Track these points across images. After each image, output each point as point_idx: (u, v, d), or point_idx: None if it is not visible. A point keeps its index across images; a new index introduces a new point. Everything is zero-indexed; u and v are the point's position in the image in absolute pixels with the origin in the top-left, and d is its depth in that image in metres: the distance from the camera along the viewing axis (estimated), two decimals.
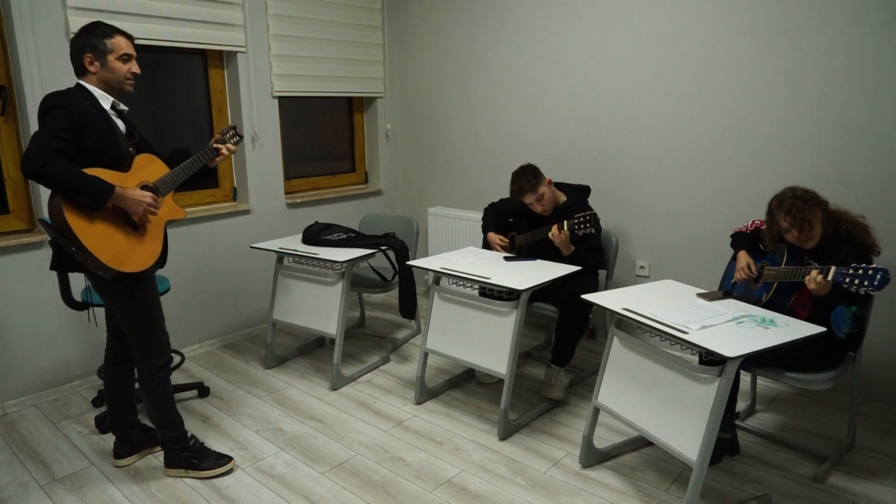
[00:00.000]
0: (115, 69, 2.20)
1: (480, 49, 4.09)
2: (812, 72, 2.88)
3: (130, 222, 2.21)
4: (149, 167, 2.32)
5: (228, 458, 2.50)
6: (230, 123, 2.51)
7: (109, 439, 2.72)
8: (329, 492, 2.37)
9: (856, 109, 2.80)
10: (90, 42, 2.18)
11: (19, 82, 2.88)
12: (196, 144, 3.60)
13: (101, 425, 2.79)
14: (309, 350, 3.74)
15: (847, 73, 2.79)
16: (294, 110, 4.28)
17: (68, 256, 2.16)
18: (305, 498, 2.34)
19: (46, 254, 2.98)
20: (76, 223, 2.06)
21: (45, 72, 2.91)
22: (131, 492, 2.37)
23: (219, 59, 3.71)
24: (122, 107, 2.28)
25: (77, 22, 2.96)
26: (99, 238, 2.10)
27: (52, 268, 2.26)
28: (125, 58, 2.22)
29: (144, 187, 2.26)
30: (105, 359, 2.52)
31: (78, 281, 2.95)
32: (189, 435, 2.49)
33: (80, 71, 2.21)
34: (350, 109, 4.63)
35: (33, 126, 2.89)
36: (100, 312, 2.77)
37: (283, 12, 3.83)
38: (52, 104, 2.07)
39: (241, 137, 2.59)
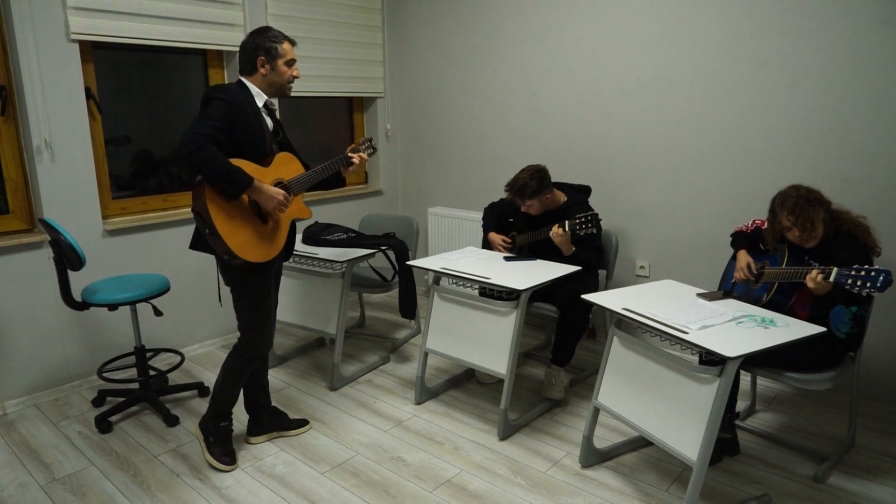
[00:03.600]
0: (281, 72, 2.37)
1: (480, 49, 4.09)
2: (812, 72, 2.88)
3: (261, 215, 2.35)
4: (287, 165, 2.47)
5: (231, 460, 2.51)
6: (366, 136, 2.69)
7: (109, 439, 2.73)
8: (329, 492, 2.37)
9: (856, 109, 2.80)
10: (264, 45, 2.33)
11: (19, 82, 2.88)
12: None
13: (101, 425, 2.79)
14: (309, 350, 3.74)
15: (847, 73, 2.79)
16: (294, 110, 4.28)
17: (205, 239, 2.29)
18: (305, 498, 2.34)
19: (46, 254, 2.98)
20: (214, 209, 2.19)
21: (45, 72, 2.91)
22: (131, 492, 2.37)
23: (219, 58, 3.71)
24: (274, 106, 2.44)
25: (77, 22, 2.97)
26: (231, 225, 2.24)
27: (190, 247, 2.41)
28: (290, 62, 2.39)
29: (279, 184, 2.40)
30: None
31: (78, 281, 2.95)
32: (229, 421, 2.57)
33: (249, 70, 2.36)
34: (350, 109, 4.63)
35: (34, 126, 2.91)
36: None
37: (283, 12, 3.83)
38: (214, 95, 2.23)
39: (376, 150, 2.75)
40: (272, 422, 2.73)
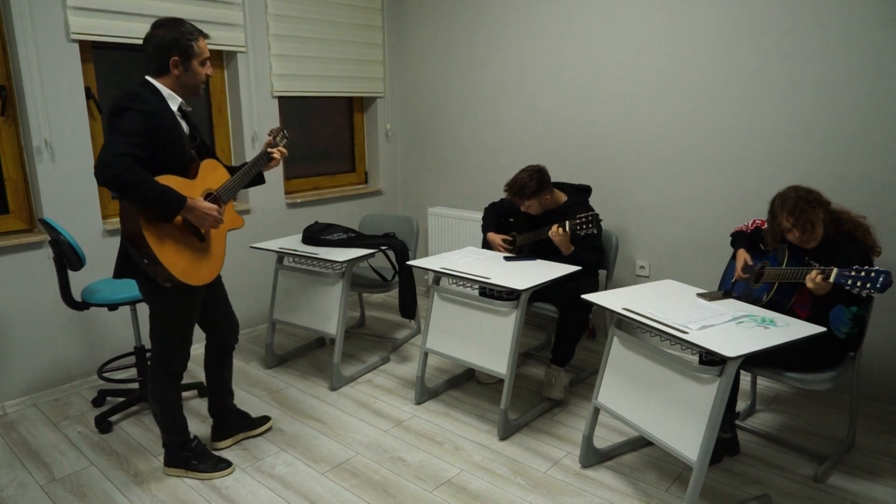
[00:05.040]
0: (196, 73, 2.17)
1: (480, 49, 4.09)
2: (812, 72, 2.88)
3: (196, 232, 2.21)
4: (213, 174, 2.30)
5: (228, 464, 2.50)
6: (278, 126, 2.52)
7: (109, 439, 2.73)
8: (329, 492, 2.37)
9: (856, 109, 2.80)
10: (179, 44, 2.11)
11: (19, 82, 2.88)
12: None
13: (101, 425, 2.79)
14: (309, 350, 3.74)
15: (847, 73, 2.79)
16: (294, 110, 4.28)
17: (133, 265, 2.14)
18: (305, 498, 2.34)
19: (46, 254, 2.98)
20: (151, 236, 2.03)
21: (45, 72, 2.91)
22: (131, 492, 2.37)
23: (219, 58, 3.71)
24: (188, 108, 2.24)
25: (77, 22, 2.97)
26: (171, 251, 2.09)
27: (115, 276, 2.24)
28: (205, 61, 2.20)
29: (208, 195, 2.25)
30: (205, 350, 2.64)
31: (78, 281, 2.95)
32: (192, 436, 2.49)
33: (160, 71, 2.13)
34: (350, 109, 4.63)
35: (34, 126, 2.91)
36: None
37: (283, 12, 3.83)
38: (127, 105, 2.00)
39: (288, 137, 2.56)
40: (238, 423, 2.69)
